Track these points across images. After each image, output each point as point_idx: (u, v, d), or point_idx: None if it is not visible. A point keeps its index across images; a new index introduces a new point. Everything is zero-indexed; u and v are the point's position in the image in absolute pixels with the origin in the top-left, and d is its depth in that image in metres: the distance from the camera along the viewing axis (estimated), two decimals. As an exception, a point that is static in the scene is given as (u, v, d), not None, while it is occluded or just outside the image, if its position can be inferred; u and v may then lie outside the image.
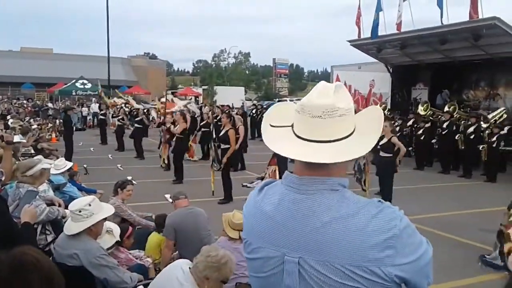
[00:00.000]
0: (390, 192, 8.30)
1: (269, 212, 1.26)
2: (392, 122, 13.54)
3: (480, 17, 14.28)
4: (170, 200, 7.09)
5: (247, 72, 74.49)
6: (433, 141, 14.13)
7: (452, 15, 16.10)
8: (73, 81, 29.81)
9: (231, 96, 37.02)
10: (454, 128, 13.56)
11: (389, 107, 19.09)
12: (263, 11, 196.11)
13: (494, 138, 12.07)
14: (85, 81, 29.27)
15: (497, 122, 13.33)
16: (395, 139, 8.32)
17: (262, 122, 1.39)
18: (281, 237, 1.22)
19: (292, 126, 1.28)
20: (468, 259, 6.00)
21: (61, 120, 18.71)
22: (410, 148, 15.75)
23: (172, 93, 48.98)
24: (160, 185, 10.12)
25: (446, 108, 15.21)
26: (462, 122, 13.87)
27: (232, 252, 4.19)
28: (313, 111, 1.20)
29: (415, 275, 1.16)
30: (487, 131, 12.59)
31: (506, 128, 12.47)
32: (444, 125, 13.77)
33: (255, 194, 1.36)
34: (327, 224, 1.15)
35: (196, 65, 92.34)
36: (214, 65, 68.77)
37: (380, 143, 8.38)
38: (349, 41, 19.09)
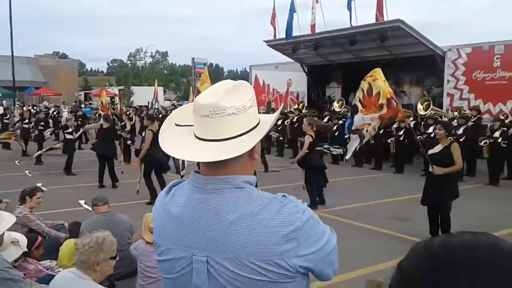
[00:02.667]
0: (313, 187, 8.55)
1: (176, 213, 1.27)
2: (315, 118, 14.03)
3: (386, 19, 15.30)
4: (85, 206, 6.77)
5: (165, 71, 73.12)
6: (346, 136, 14.80)
7: (361, 18, 17.08)
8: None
9: (149, 96, 36.09)
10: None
11: (306, 105, 19.80)
12: (180, 10, 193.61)
13: (401, 132, 12.96)
14: (-14, 82, 26.90)
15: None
16: (306, 138, 8.56)
17: (165, 121, 1.39)
18: (189, 237, 1.23)
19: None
20: (380, 246, 6.38)
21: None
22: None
23: (85, 94, 46.80)
24: (73, 190, 9.60)
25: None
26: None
27: (150, 256, 4.10)
28: (202, 110, 1.23)
29: (320, 264, 1.22)
30: (394, 126, 13.47)
31: (412, 123, 13.44)
32: (356, 121, 14.51)
33: (163, 195, 1.36)
34: (233, 222, 1.18)
35: (110, 64, 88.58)
36: (130, 64, 66.55)
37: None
38: (266, 41, 19.48)
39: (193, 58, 47.52)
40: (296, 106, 19.13)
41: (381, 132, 13.52)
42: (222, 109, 1.20)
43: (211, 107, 1.21)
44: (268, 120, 1.31)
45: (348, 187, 10.87)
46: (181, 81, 75.95)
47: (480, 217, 7.71)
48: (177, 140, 1.31)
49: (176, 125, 1.34)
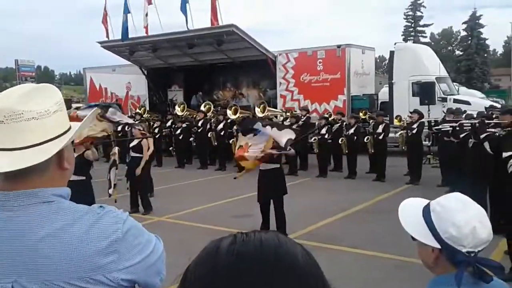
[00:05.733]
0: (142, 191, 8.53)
1: None
2: (149, 123, 13.78)
3: (220, 23, 15.80)
4: None
5: (-18, 75, 64.35)
6: (191, 139, 14.92)
7: (197, 21, 17.35)
8: None
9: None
10: (208, 126, 14.64)
11: (148, 109, 19.31)
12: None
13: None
14: None
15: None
16: (144, 141, 8.50)
17: None
18: None
19: None
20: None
21: None
22: (170, 148, 16.31)
23: None
24: None
25: (202, 108, 16.26)
26: (212, 120, 15.06)
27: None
28: None
29: (145, 274, 1.15)
30: (234, 127, 13.98)
31: (249, 123, 14.12)
32: (199, 124, 14.71)
33: None
34: (41, 240, 1.05)
35: None
36: None
37: (131, 145, 8.57)
38: (99, 43, 18.47)
39: (16, 60, 42.82)
40: (137, 111, 18.53)
41: (222, 134, 13.99)
42: (19, 114, 1.07)
43: (5, 112, 1.07)
44: (76, 127, 1.20)
45: (192, 190, 10.91)
46: (3, 86, 67.56)
47: (310, 208, 8.45)
48: None
49: None
